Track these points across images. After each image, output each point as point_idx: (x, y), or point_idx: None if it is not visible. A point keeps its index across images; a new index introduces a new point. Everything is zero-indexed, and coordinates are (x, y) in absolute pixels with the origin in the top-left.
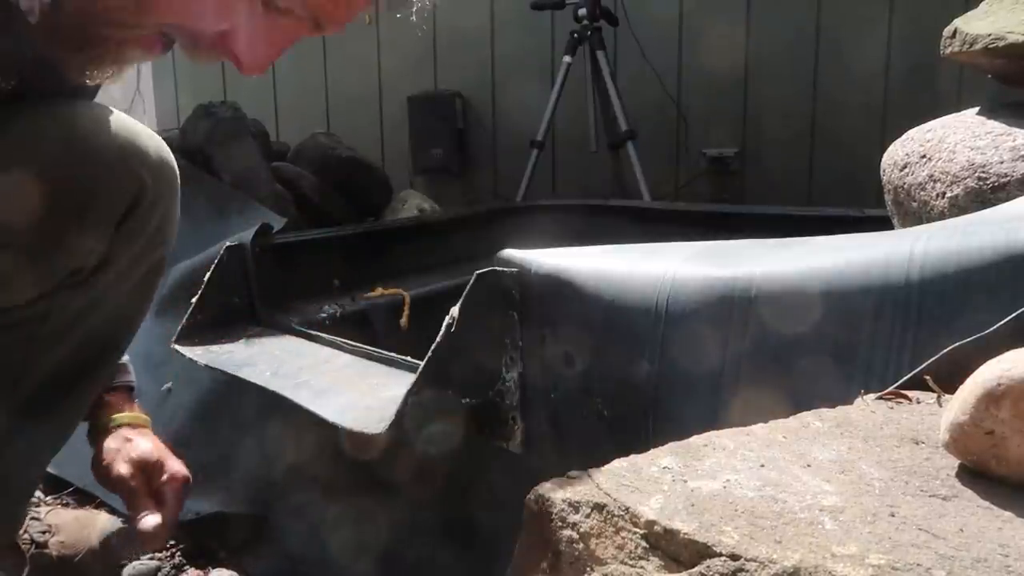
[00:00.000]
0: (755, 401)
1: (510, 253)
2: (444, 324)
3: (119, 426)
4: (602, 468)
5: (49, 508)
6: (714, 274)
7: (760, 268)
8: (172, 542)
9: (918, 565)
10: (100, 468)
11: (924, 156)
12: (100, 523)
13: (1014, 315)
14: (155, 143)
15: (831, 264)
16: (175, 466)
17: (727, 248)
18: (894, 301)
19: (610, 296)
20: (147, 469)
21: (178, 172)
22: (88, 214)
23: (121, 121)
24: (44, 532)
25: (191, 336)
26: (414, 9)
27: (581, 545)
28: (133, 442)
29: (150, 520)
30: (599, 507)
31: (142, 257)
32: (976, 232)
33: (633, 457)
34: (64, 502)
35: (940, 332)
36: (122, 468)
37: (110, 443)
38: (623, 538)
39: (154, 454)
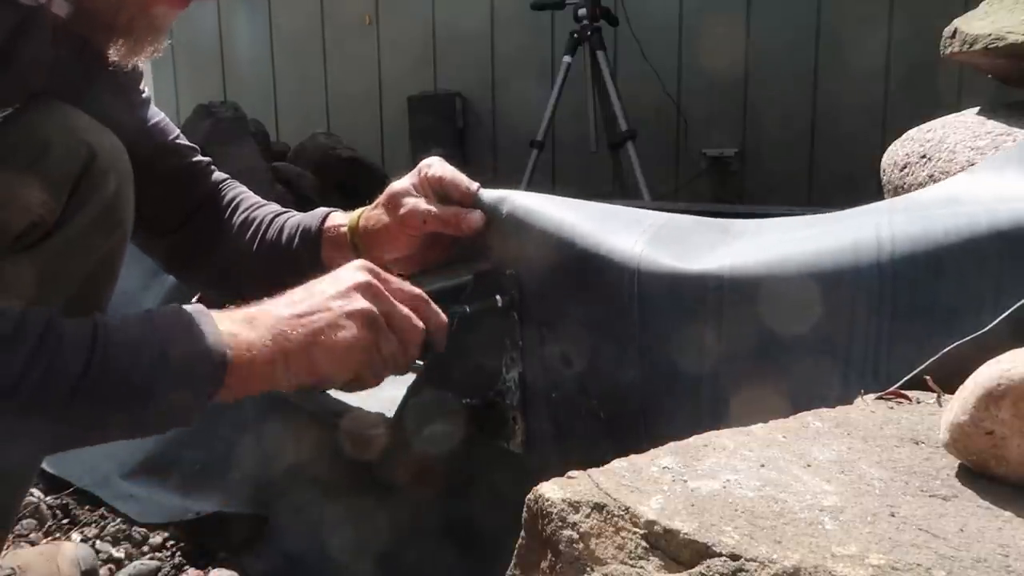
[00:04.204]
0: (748, 398)
1: (487, 193)
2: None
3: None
4: (602, 468)
5: (7, 549)
6: (683, 268)
7: (730, 260)
8: (172, 542)
9: (918, 565)
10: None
11: (924, 156)
12: (68, 554)
13: (1010, 310)
14: (105, 129)
15: (800, 252)
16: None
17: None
18: (863, 285)
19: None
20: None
21: (130, 164)
22: (40, 166)
23: (75, 110)
24: (11, 574)
25: None
26: None
27: (581, 545)
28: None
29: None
30: (599, 507)
31: (97, 233)
32: (939, 216)
33: (633, 457)
34: (27, 533)
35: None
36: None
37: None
38: (623, 538)
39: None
